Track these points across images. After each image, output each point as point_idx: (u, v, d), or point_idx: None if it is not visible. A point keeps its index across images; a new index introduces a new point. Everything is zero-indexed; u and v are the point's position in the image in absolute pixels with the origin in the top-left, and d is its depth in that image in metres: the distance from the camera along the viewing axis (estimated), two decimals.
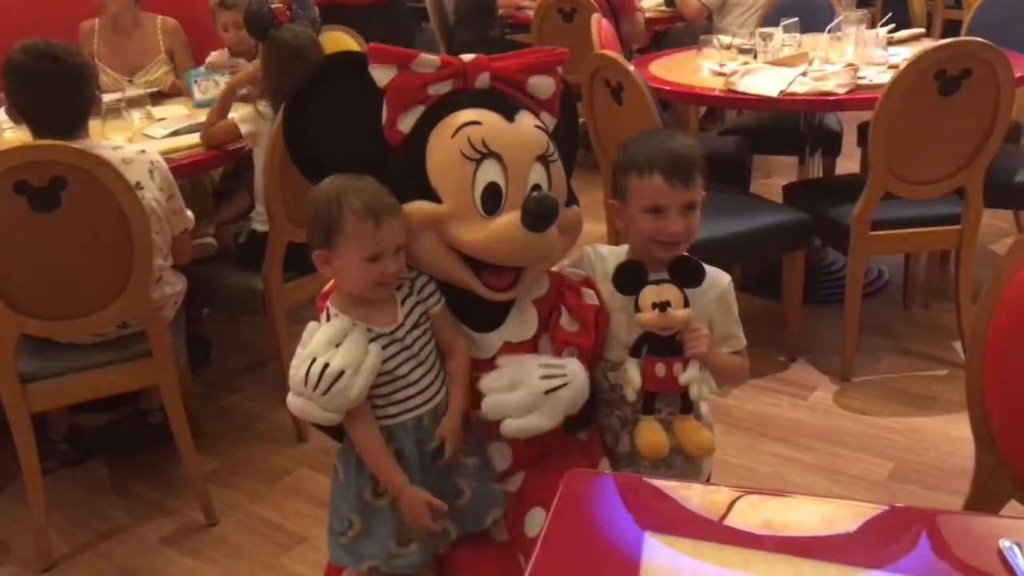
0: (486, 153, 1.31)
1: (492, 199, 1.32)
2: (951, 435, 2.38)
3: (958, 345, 2.79)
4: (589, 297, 1.45)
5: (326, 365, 1.26)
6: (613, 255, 1.52)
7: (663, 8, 4.84)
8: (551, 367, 1.35)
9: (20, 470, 2.09)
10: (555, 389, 1.33)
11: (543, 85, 1.43)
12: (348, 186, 1.30)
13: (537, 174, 1.35)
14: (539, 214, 1.30)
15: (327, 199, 1.30)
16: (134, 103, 2.86)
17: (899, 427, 2.47)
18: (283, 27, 2.48)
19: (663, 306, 1.37)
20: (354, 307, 1.34)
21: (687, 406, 1.43)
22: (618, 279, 1.42)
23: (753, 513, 1.04)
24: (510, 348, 1.40)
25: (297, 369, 1.30)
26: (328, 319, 1.34)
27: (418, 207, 1.33)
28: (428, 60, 1.36)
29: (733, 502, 1.06)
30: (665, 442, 1.41)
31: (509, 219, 1.31)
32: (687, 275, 1.41)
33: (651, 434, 1.41)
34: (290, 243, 2.43)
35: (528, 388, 1.33)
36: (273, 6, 2.73)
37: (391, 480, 1.35)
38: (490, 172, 1.32)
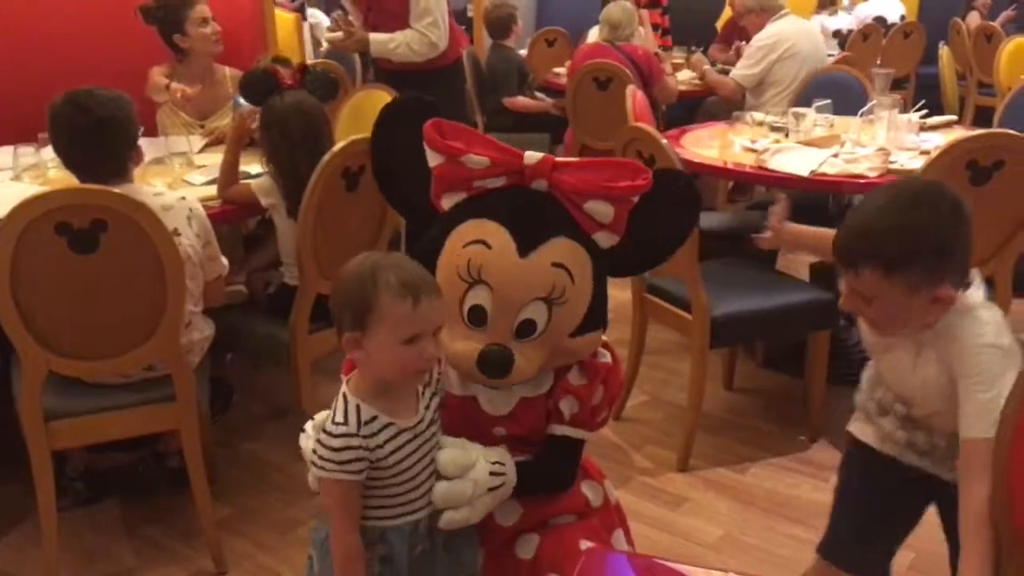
0: (478, 280, 1.32)
1: (478, 317, 1.34)
2: None
3: None
4: (603, 356, 1.47)
5: None
6: None
7: (696, 82, 4.91)
8: (497, 464, 1.35)
9: (35, 506, 2.10)
10: (497, 488, 1.34)
11: (601, 212, 1.36)
12: (383, 262, 1.24)
13: (534, 311, 1.33)
14: (489, 366, 1.32)
15: (359, 276, 1.22)
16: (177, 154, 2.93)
17: None
18: (286, 93, 2.43)
19: None
20: (377, 398, 1.26)
21: None
22: None
23: None
24: (525, 402, 1.42)
25: (310, 438, 1.29)
26: (346, 407, 1.26)
27: None
28: (477, 160, 1.34)
29: None
30: None
31: (466, 350, 1.33)
32: None
33: None
34: (318, 295, 2.46)
35: (477, 482, 1.32)
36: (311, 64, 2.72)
37: None
38: (479, 296, 1.33)
